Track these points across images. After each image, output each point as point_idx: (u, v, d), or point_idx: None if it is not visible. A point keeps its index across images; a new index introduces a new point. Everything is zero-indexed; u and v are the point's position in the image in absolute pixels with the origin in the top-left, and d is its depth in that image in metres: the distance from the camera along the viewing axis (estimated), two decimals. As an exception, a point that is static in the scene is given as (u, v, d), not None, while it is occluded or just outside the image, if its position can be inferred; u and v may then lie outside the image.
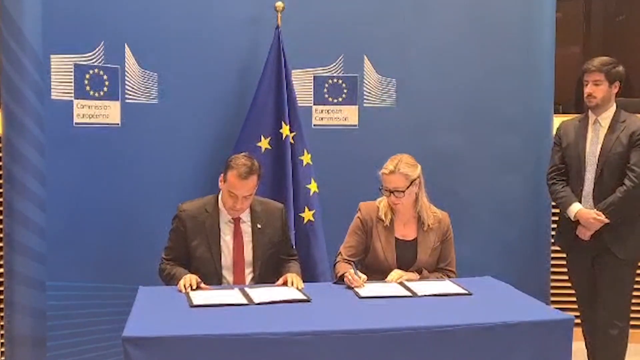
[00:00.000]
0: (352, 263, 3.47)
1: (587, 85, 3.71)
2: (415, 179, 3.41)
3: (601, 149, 3.69)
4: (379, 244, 3.46)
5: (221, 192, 3.43)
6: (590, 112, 3.77)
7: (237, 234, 3.43)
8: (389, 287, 3.23)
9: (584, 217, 3.68)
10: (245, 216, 3.46)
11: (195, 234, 3.39)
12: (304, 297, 3.02)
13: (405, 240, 3.48)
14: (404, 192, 3.38)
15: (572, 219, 3.72)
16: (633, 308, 3.82)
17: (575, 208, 3.71)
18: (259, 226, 3.44)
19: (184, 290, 3.08)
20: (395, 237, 3.47)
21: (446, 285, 3.25)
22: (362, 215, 3.51)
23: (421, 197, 3.49)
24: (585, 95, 3.73)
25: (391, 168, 3.39)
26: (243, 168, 3.29)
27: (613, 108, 3.73)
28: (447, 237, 3.53)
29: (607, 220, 3.62)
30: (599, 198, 3.66)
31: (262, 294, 3.04)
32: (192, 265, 3.40)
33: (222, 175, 3.40)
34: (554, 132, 4.04)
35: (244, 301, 2.95)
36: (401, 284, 3.26)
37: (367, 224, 3.48)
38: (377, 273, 3.43)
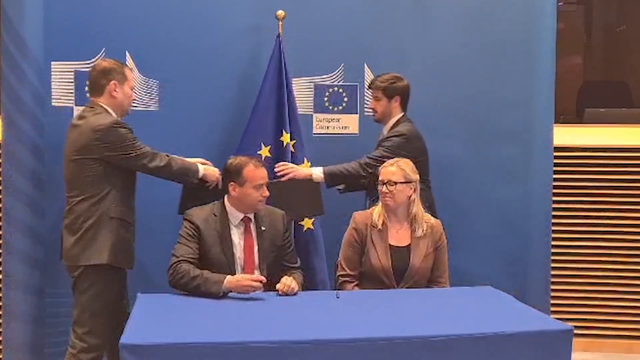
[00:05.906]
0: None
1: (371, 100, 4.04)
2: (411, 182, 3.51)
3: None
4: (373, 250, 3.50)
5: (230, 197, 3.42)
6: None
7: (248, 235, 3.44)
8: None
9: None
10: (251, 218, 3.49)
11: (207, 236, 3.37)
12: None
13: (399, 246, 3.52)
14: (396, 184, 3.47)
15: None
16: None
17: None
18: (262, 228, 3.46)
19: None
20: (389, 244, 3.52)
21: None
22: (356, 224, 3.57)
23: (416, 204, 3.54)
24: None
25: (391, 162, 3.56)
26: (252, 160, 3.45)
27: (394, 120, 3.95)
28: (440, 245, 3.57)
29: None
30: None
31: None
32: (204, 269, 3.37)
33: (232, 183, 3.39)
34: (555, 142, 4.02)
35: None
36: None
37: (362, 233, 3.54)
38: (372, 280, 3.49)
